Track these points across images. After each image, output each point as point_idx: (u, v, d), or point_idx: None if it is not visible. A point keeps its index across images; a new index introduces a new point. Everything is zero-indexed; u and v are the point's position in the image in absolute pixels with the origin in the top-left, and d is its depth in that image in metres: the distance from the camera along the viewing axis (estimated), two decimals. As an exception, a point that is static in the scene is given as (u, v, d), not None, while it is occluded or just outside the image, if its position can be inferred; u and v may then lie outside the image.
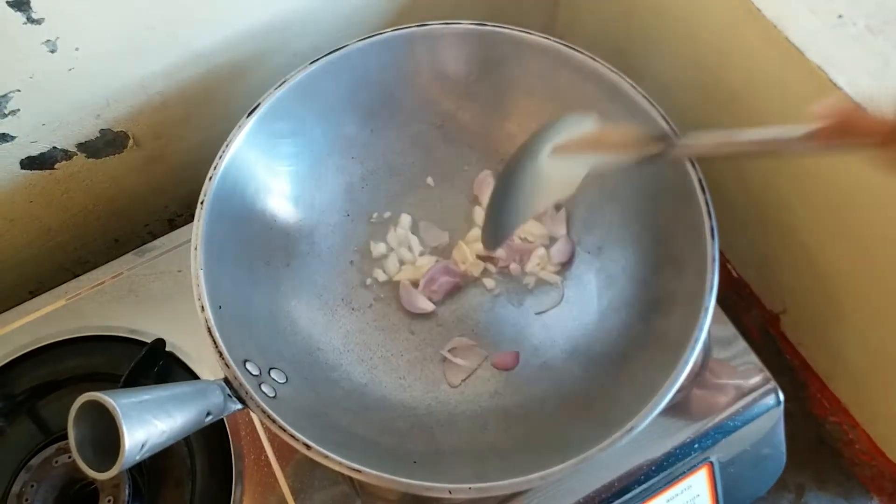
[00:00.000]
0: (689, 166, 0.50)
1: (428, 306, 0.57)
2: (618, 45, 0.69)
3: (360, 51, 0.55)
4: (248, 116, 0.52)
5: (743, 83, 0.56)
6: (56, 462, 0.52)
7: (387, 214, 0.62)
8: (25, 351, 0.58)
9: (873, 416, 0.63)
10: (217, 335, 0.45)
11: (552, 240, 0.60)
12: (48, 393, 0.57)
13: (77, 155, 0.60)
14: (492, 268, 0.60)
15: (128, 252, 0.63)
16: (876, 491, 0.67)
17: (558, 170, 0.47)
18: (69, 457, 0.52)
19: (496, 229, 0.51)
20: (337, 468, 0.42)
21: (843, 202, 0.53)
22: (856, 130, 0.35)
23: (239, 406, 0.44)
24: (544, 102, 0.59)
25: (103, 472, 0.37)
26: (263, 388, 0.46)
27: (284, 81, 0.54)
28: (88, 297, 0.61)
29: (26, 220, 0.63)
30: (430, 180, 0.63)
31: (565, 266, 0.59)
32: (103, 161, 0.62)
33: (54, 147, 0.58)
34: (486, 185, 0.62)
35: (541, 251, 0.59)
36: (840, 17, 0.50)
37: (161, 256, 0.63)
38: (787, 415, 0.56)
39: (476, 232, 0.61)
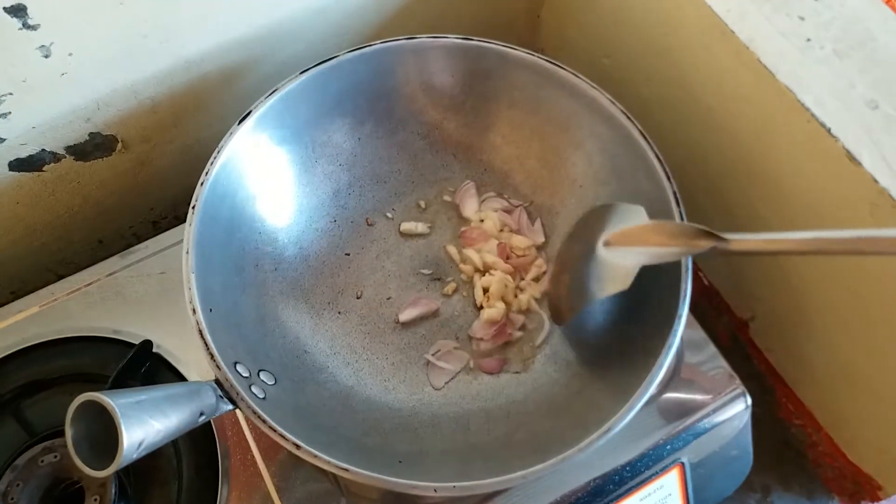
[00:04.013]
0: (664, 179, 0.52)
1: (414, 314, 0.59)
2: (597, 61, 0.71)
3: (349, 62, 0.56)
4: (239, 124, 0.53)
5: (717, 101, 0.58)
6: (42, 461, 0.53)
7: (374, 220, 0.63)
8: (10, 352, 0.58)
9: (836, 419, 0.66)
10: (208, 337, 0.46)
11: (540, 245, 0.62)
12: (33, 393, 0.57)
13: (66, 157, 0.60)
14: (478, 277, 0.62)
15: (112, 254, 0.63)
16: (837, 491, 0.69)
17: (614, 260, 0.49)
18: (55, 456, 0.53)
19: (562, 309, 0.55)
20: (325, 467, 0.43)
21: (812, 216, 0.55)
22: None
23: (230, 407, 0.45)
24: (527, 115, 0.61)
25: (99, 470, 0.38)
26: (253, 389, 0.47)
27: (275, 90, 0.55)
28: (73, 298, 0.61)
29: (11, 221, 0.63)
30: (417, 197, 0.65)
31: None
32: (91, 164, 0.62)
33: (43, 149, 0.58)
34: (467, 196, 0.64)
35: (539, 261, 0.61)
36: (808, 40, 0.52)
37: (146, 259, 0.63)
38: (755, 418, 0.58)
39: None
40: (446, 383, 0.56)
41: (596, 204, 0.59)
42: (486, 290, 0.60)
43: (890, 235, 0.36)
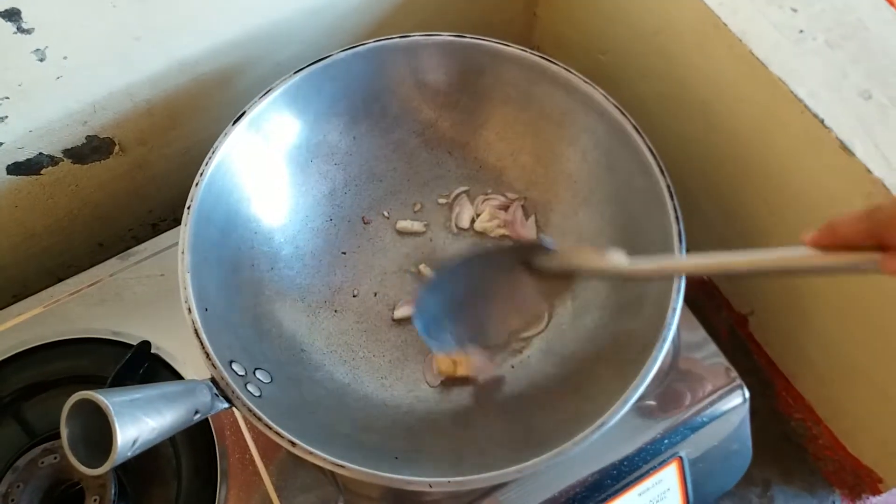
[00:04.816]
0: (658, 174, 0.52)
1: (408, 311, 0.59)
2: (593, 57, 0.71)
3: (343, 61, 0.57)
4: (233, 124, 0.54)
5: (711, 94, 0.58)
6: (42, 463, 0.53)
7: (370, 219, 0.63)
8: (10, 354, 0.59)
9: (835, 413, 0.65)
10: (204, 337, 0.46)
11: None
12: (33, 395, 0.58)
13: (63, 161, 0.61)
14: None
15: (112, 256, 0.64)
16: (837, 484, 0.69)
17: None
18: (55, 457, 0.53)
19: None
20: (321, 464, 0.44)
21: (806, 208, 0.55)
22: (839, 239, 0.33)
23: (225, 405, 0.45)
24: (521, 112, 0.61)
25: (95, 468, 0.38)
26: (249, 387, 0.47)
27: (269, 90, 0.55)
28: (73, 300, 0.62)
29: (11, 225, 0.64)
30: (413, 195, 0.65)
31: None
32: (89, 167, 0.63)
33: (41, 153, 0.59)
34: (464, 208, 0.64)
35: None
36: (801, 32, 0.52)
37: (145, 260, 0.63)
38: (755, 412, 0.58)
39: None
40: (442, 380, 0.56)
41: (591, 198, 0.59)
42: None
43: (776, 256, 0.36)
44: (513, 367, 0.57)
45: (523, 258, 0.50)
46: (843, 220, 0.33)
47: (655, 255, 0.50)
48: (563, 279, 0.49)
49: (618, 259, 0.44)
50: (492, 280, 0.52)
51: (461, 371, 0.56)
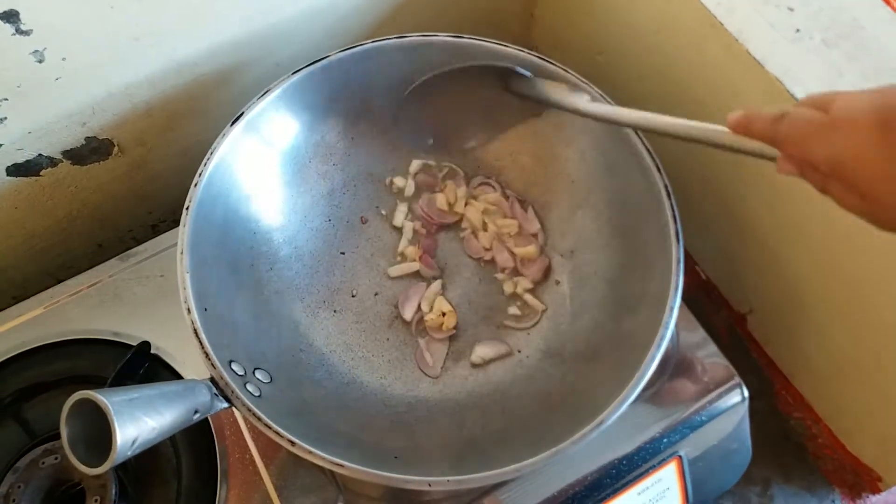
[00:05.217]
0: (655, 173, 0.52)
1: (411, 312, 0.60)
2: (590, 58, 0.71)
3: (340, 61, 0.57)
4: (232, 125, 0.54)
5: (708, 94, 0.59)
6: (43, 463, 0.53)
7: (368, 218, 0.63)
8: (10, 355, 0.59)
9: (835, 411, 0.65)
10: (203, 337, 0.47)
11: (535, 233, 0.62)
12: (34, 396, 0.58)
13: (62, 162, 0.61)
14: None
15: (111, 257, 0.64)
16: (837, 483, 0.69)
17: None
18: (56, 458, 0.53)
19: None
20: (320, 463, 0.44)
21: (803, 210, 0.55)
22: (750, 131, 0.38)
23: (225, 405, 0.45)
24: (520, 113, 0.61)
25: (95, 468, 0.38)
26: (248, 387, 0.47)
27: (267, 91, 0.55)
28: (73, 301, 0.62)
29: (10, 226, 0.64)
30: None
31: (541, 282, 0.61)
32: (88, 168, 0.63)
33: (40, 154, 0.59)
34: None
35: (531, 247, 0.61)
36: (798, 31, 0.53)
37: (145, 261, 0.64)
38: (754, 411, 0.58)
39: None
40: (441, 367, 0.57)
41: (589, 198, 0.59)
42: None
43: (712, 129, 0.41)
44: (513, 366, 0.57)
45: (498, 77, 0.56)
46: (758, 118, 0.38)
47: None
48: (531, 104, 0.56)
49: (580, 100, 0.52)
50: (466, 92, 0.57)
51: (448, 323, 0.58)
